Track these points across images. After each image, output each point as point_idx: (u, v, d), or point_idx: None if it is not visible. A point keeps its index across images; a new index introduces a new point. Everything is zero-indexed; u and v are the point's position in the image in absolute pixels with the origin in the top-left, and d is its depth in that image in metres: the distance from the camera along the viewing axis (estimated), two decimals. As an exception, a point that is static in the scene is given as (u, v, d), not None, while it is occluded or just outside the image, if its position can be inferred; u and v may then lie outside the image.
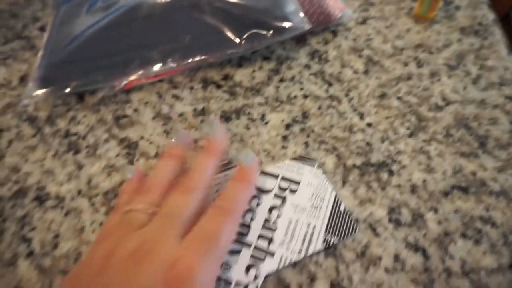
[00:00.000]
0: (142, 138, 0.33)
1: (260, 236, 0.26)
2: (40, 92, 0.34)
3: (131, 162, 0.31)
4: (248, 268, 0.25)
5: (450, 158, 0.29)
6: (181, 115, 0.34)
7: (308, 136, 0.31)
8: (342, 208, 0.27)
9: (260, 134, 0.32)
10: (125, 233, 0.24)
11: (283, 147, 0.31)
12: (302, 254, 0.26)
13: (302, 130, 0.32)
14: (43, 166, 0.32)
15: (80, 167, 0.32)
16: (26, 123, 0.35)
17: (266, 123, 0.33)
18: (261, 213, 0.27)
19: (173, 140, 0.29)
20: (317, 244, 0.26)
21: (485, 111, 0.32)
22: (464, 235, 0.26)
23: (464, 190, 0.28)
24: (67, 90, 0.34)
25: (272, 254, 0.26)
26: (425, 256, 0.26)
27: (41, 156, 0.33)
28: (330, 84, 0.34)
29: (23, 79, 0.38)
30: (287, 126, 0.32)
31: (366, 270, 0.25)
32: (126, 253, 0.22)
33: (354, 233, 0.26)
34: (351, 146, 0.31)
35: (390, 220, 0.27)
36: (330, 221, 0.27)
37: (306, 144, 0.31)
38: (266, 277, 0.25)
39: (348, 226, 0.27)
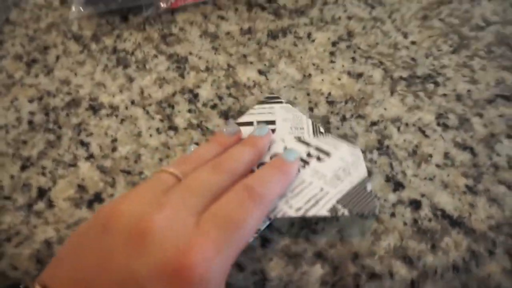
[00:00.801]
0: (190, 53, 0.33)
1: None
2: (89, 8, 0.35)
3: (181, 76, 0.32)
4: None
5: (492, 71, 0.31)
6: (227, 33, 0.34)
7: (354, 52, 0.33)
8: (369, 188, 0.24)
9: (307, 50, 0.33)
10: (142, 193, 0.21)
11: (331, 61, 0.32)
12: (300, 213, 0.23)
13: (348, 47, 0.33)
14: (93, 79, 0.33)
15: (131, 79, 0.32)
16: (72, 40, 0.35)
17: (313, 40, 0.33)
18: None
19: (224, 130, 0.27)
20: (322, 209, 0.24)
21: (523, 31, 0.33)
22: (509, 136, 0.28)
23: (507, 98, 0.30)
24: (114, 5, 0.34)
25: None
26: (473, 153, 0.27)
27: (90, 70, 0.33)
28: (372, 7, 0.35)
29: (63, 1, 0.38)
30: (334, 44, 0.33)
31: (418, 166, 0.27)
32: (133, 221, 0.20)
33: (370, 216, 0.26)
34: (396, 61, 0.32)
35: (438, 124, 0.29)
36: (348, 195, 0.24)
37: (353, 59, 0.32)
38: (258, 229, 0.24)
39: (367, 205, 0.24)
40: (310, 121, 0.28)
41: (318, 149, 0.27)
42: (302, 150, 0.27)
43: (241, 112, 0.30)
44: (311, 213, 0.23)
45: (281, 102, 0.29)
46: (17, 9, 0.37)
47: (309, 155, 0.27)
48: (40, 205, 0.27)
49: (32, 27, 0.36)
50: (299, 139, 0.27)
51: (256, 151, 0.26)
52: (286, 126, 0.28)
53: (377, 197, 0.26)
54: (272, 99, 0.30)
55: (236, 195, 0.22)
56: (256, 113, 0.29)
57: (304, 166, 0.26)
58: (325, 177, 0.25)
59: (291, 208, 0.24)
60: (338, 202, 0.24)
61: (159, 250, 0.18)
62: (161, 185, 0.22)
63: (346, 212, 0.23)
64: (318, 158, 0.26)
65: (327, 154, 0.27)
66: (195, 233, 0.19)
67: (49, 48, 0.35)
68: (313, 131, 0.28)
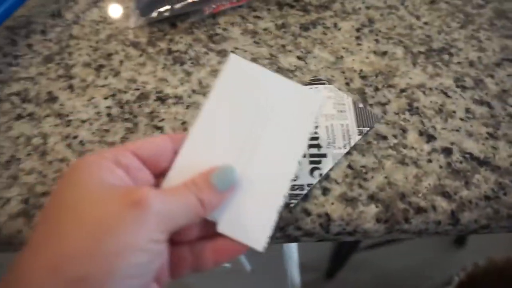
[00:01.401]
0: (236, 48, 0.39)
1: (310, 146, 0.31)
2: (142, 19, 0.40)
3: (231, 67, 0.38)
4: (312, 171, 0.30)
5: (496, 40, 0.36)
6: (265, 29, 0.40)
7: (377, 35, 0.38)
8: (360, 105, 0.33)
9: (336, 37, 0.38)
10: None
11: (358, 44, 0.37)
12: (347, 148, 0.31)
13: (371, 31, 0.38)
14: (156, 76, 0.38)
15: (188, 74, 0.38)
16: (131, 47, 0.41)
17: (339, 29, 0.39)
18: None
19: None
20: (355, 137, 0.31)
21: (519, 5, 0.39)
22: (517, 90, 0.33)
23: (512, 60, 0.35)
24: (166, 14, 0.40)
25: (325, 155, 0.31)
26: (490, 107, 0.32)
27: (152, 69, 0.38)
28: (386, -3, 0.41)
29: (116, 16, 0.43)
30: (358, 30, 0.39)
31: (445, 121, 0.32)
32: None
33: (378, 120, 0.32)
34: (414, 39, 0.37)
35: (457, 86, 0.34)
36: (357, 117, 0.32)
37: (377, 40, 0.38)
38: (327, 173, 0.30)
39: (371, 116, 0.32)
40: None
41: None
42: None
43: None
44: (352, 144, 0.31)
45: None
46: (78, 26, 0.43)
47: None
48: (130, 179, 0.32)
49: (94, 39, 0.42)
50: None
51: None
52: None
53: (369, 107, 0.32)
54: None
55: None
56: None
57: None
58: (334, 116, 0.32)
59: (339, 148, 0.30)
60: (358, 126, 0.31)
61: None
62: None
63: (367, 130, 0.31)
64: None
65: None
66: None
67: (112, 55, 0.40)
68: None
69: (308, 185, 0.29)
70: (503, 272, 0.81)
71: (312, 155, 0.31)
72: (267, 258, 0.59)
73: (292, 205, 0.28)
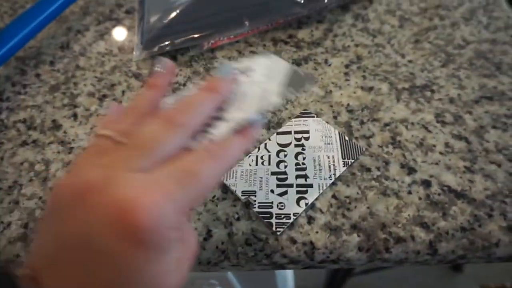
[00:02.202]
0: (232, 81, 0.41)
1: (297, 176, 0.33)
2: (144, 52, 0.43)
3: (226, 99, 0.40)
4: (298, 201, 0.32)
5: (475, 79, 0.39)
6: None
7: (364, 71, 0.40)
8: (346, 138, 0.35)
9: (326, 72, 0.41)
10: (86, 161, 0.21)
11: (346, 80, 0.40)
12: (332, 179, 0.32)
13: (359, 68, 0.41)
14: (155, 106, 0.40)
15: (186, 104, 0.40)
16: (133, 78, 0.43)
17: (330, 65, 0.41)
18: (291, 161, 0.34)
19: (156, 68, 0.25)
20: (340, 168, 0.33)
21: (497, 46, 0.41)
22: (494, 127, 0.35)
23: (490, 98, 0.37)
24: (168, 48, 0.43)
25: (311, 185, 0.33)
26: (468, 142, 0.34)
27: (152, 100, 0.41)
28: (374, 36, 0.44)
29: (121, 48, 0.46)
30: (346, 66, 0.41)
31: (425, 154, 0.34)
32: (77, 186, 0.19)
33: (363, 152, 0.34)
34: (398, 76, 0.40)
35: (437, 121, 0.36)
36: (342, 149, 0.34)
37: (364, 76, 0.40)
38: (313, 202, 0.31)
39: (356, 149, 0.34)
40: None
41: (297, 131, 0.36)
42: (289, 139, 0.35)
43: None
44: (337, 175, 0.33)
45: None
46: (84, 57, 0.46)
47: (296, 139, 0.36)
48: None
49: (99, 70, 0.44)
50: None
51: (218, 97, 0.23)
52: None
53: (354, 140, 0.35)
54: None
55: (195, 153, 0.21)
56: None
57: (303, 149, 0.35)
58: (321, 148, 0.35)
59: (325, 179, 0.32)
60: (343, 158, 0.34)
61: (105, 208, 0.17)
62: (101, 150, 0.20)
63: (351, 162, 0.33)
64: (305, 138, 0.36)
65: (307, 132, 0.36)
66: (144, 184, 0.18)
67: (115, 85, 0.43)
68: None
69: (294, 214, 0.31)
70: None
71: (298, 185, 0.33)
72: (259, 281, 0.60)
73: (278, 233, 0.30)
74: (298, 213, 0.31)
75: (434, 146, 0.34)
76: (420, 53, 0.41)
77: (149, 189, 0.18)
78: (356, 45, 0.43)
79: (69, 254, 0.18)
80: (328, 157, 0.34)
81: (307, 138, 0.36)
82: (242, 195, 0.32)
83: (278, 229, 0.30)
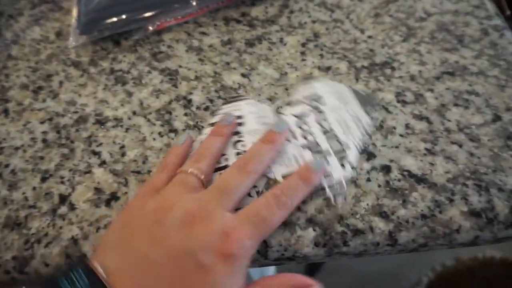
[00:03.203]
0: (180, 66, 0.38)
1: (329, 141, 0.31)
2: (84, 37, 0.39)
3: (174, 86, 0.37)
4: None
5: (437, 53, 0.36)
6: (210, 46, 0.39)
7: (321, 49, 0.38)
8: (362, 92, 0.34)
9: (281, 53, 0.38)
10: (179, 191, 0.27)
11: (303, 60, 0.37)
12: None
13: (316, 46, 0.38)
14: (96, 98, 0.37)
15: (130, 94, 0.37)
16: (72, 67, 0.39)
17: (285, 44, 0.39)
18: (317, 129, 0.32)
19: (221, 121, 0.32)
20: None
21: (459, 17, 0.39)
22: (456, 104, 0.33)
23: (451, 74, 0.35)
24: (107, 32, 0.39)
25: (349, 147, 0.31)
26: (429, 122, 0.32)
27: (92, 90, 0.37)
28: (332, 11, 0.41)
29: (59, 34, 0.42)
30: (303, 44, 0.38)
31: (385, 137, 0.32)
32: (182, 213, 0.25)
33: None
34: (357, 53, 0.37)
35: (398, 101, 0.34)
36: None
37: (321, 55, 0.37)
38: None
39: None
40: (271, 108, 0.33)
41: (306, 97, 0.33)
42: (305, 108, 0.33)
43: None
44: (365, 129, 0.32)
45: (245, 99, 0.34)
46: (17, 45, 0.41)
47: (312, 106, 0.33)
48: (63, 209, 0.30)
49: (33, 59, 0.40)
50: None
51: (276, 149, 0.30)
52: (253, 117, 0.33)
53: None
54: (236, 97, 0.35)
55: (265, 200, 0.27)
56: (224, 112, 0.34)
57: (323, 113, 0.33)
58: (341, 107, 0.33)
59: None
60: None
61: (207, 233, 0.24)
62: (186, 184, 0.27)
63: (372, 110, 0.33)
64: (322, 103, 0.33)
65: (320, 96, 0.33)
66: (234, 222, 0.25)
67: (52, 76, 0.39)
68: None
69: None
70: (470, 271, 0.83)
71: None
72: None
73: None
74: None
75: (394, 128, 0.32)
76: (380, 27, 0.39)
77: (238, 227, 0.25)
78: (313, 22, 0.40)
79: (170, 263, 0.24)
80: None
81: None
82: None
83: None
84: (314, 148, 0.30)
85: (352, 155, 0.30)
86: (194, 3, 0.40)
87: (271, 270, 0.85)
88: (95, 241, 0.28)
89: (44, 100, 0.37)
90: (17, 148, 0.34)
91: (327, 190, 0.29)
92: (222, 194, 0.27)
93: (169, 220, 0.25)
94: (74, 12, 0.42)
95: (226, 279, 0.24)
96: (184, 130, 0.34)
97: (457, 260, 0.82)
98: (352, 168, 0.30)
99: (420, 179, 0.30)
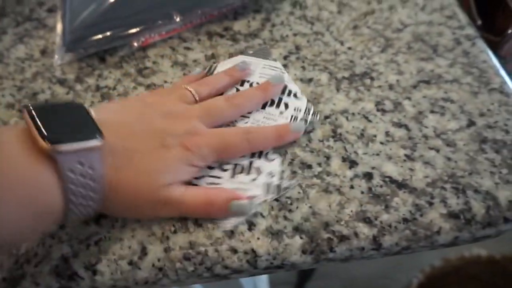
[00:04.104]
0: (165, 82, 0.39)
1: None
2: (69, 54, 0.39)
3: (160, 101, 0.37)
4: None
5: (414, 63, 0.38)
6: (194, 61, 0.40)
7: (303, 62, 0.39)
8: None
9: (264, 66, 0.39)
10: (174, 99, 0.33)
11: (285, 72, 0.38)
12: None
13: (298, 58, 0.39)
14: (83, 115, 0.37)
15: (117, 110, 0.37)
16: (57, 84, 0.39)
17: (267, 57, 0.40)
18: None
19: (236, 66, 0.37)
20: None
21: (433, 28, 0.41)
22: (432, 111, 0.35)
23: (427, 82, 0.37)
24: (92, 49, 0.39)
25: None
26: (407, 129, 0.34)
27: (79, 107, 0.37)
28: (312, 24, 0.42)
29: (44, 52, 0.42)
30: (285, 57, 0.39)
31: (366, 145, 0.33)
32: (170, 109, 0.31)
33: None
34: (338, 64, 0.39)
35: (377, 110, 0.35)
36: None
37: (303, 67, 0.38)
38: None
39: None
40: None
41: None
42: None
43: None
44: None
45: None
46: (1, 64, 0.42)
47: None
48: (52, 228, 0.30)
49: (18, 78, 0.40)
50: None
51: (266, 97, 0.35)
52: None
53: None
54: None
55: (223, 102, 0.34)
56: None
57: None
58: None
59: None
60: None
61: (181, 128, 0.30)
62: (183, 96, 0.33)
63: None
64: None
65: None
66: (204, 129, 0.31)
67: (37, 94, 0.39)
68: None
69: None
70: (458, 270, 0.85)
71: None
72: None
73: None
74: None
75: (375, 136, 0.34)
76: (360, 39, 0.40)
77: (204, 134, 0.31)
78: (295, 34, 0.41)
79: (147, 135, 0.30)
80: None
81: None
82: None
83: None
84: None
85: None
86: (178, 19, 0.41)
87: (263, 279, 0.85)
88: (85, 259, 0.29)
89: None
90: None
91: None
92: (205, 111, 0.32)
93: (158, 109, 0.31)
94: (59, 29, 0.43)
95: (176, 161, 0.29)
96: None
97: (444, 260, 0.84)
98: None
99: (401, 185, 0.31)
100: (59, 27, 0.43)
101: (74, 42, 0.40)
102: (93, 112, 0.28)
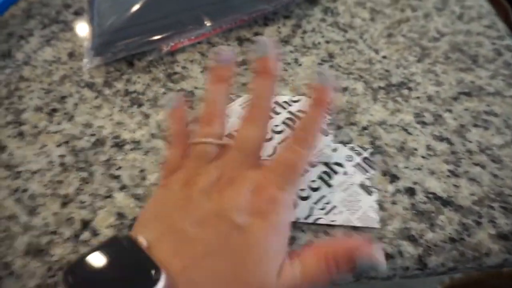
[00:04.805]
0: (196, 88, 0.38)
1: None
2: (98, 58, 0.39)
3: (191, 107, 0.36)
4: None
5: (452, 73, 0.37)
6: (225, 67, 0.39)
7: (337, 70, 0.38)
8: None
9: (297, 73, 0.38)
10: (199, 164, 0.26)
11: (320, 81, 0.37)
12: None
13: (331, 66, 0.38)
14: (113, 120, 0.36)
15: (147, 116, 0.36)
16: (86, 88, 0.39)
17: (300, 64, 0.39)
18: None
19: (217, 58, 0.28)
20: None
21: (472, 37, 0.39)
22: (475, 125, 0.33)
23: (468, 94, 0.35)
24: (121, 54, 0.39)
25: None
26: (450, 143, 0.33)
27: (108, 112, 0.37)
28: (345, 31, 0.41)
29: (71, 55, 0.41)
30: (318, 65, 0.38)
31: (407, 159, 0.32)
32: (208, 183, 0.24)
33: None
34: (373, 73, 0.37)
35: (417, 122, 0.34)
36: None
37: (337, 76, 0.37)
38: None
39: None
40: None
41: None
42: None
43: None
44: None
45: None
46: (29, 67, 0.41)
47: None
48: (86, 235, 0.30)
49: (46, 81, 0.40)
50: None
51: (273, 79, 0.27)
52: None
53: None
54: None
55: (285, 145, 0.26)
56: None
57: None
58: None
59: None
60: None
61: (238, 195, 0.24)
62: (208, 156, 0.26)
63: None
64: None
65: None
66: (262, 178, 0.25)
67: (66, 98, 0.38)
68: None
69: None
70: (479, 284, 0.83)
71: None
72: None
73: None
74: None
75: (416, 149, 0.32)
76: (394, 47, 0.39)
77: (266, 182, 0.24)
78: (327, 42, 0.40)
79: (204, 230, 0.23)
80: None
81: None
82: None
83: None
84: None
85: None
86: (208, 24, 0.40)
87: None
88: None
89: (59, 123, 0.36)
90: (34, 172, 0.33)
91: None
92: (242, 153, 0.26)
93: (197, 193, 0.24)
94: (87, 32, 0.42)
95: (266, 236, 0.22)
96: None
97: (464, 272, 0.82)
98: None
99: (446, 202, 0.30)
100: (87, 30, 0.42)
101: (102, 46, 0.39)
102: (142, 239, 0.22)
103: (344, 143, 0.33)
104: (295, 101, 0.35)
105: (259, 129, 0.27)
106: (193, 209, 0.24)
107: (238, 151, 0.26)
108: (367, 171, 0.31)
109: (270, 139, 0.32)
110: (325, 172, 0.31)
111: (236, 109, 0.35)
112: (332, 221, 0.29)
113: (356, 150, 0.32)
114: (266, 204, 0.23)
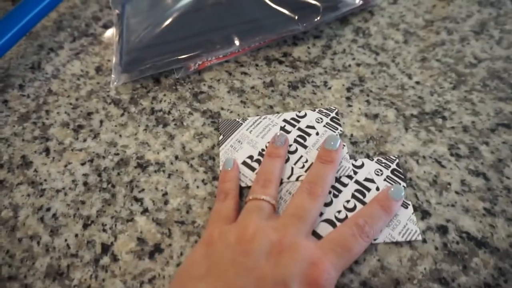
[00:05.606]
0: (222, 108, 0.37)
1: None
2: (125, 75, 0.39)
3: (217, 129, 0.36)
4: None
5: (490, 102, 0.35)
6: (252, 87, 0.38)
7: (367, 95, 0.37)
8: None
9: (326, 97, 0.37)
10: (257, 220, 0.28)
11: (349, 105, 0.36)
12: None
13: (362, 91, 0.37)
14: (137, 139, 0.36)
15: (172, 137, 0.36)
16: (112, 105, 0.39)
17: (329, 88, 0.38)
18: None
19: (274, 142, 0.33)
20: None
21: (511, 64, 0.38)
22: (514, 160, 0.32)
23: (507, 126, 0.34)
24: (149, 72, 0.38)
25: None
26: (486, 179, 0.31)
27: (133, 131, 0.37)
28: (377, 54, 0.40)
29: (98, 69, 0.42)
30: (348, 89, 0.37)
31: (440, 194, 0.30)
32: (267, 243, 0.26)
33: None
34: (405, 100, 0.36)
35: (451, 154, 0.32)
36: None
37: (368, 101, 0.36)
38: None
39: None
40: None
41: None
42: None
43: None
44: None
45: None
46: (57, 80, 0.41)
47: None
48: (106, 260, 0.29)
49: (74, 96, 0.40)
50: None
51: (335, 166, 0.31)
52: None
53: None
54: None
55: (349, 229, 0.28)
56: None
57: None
58: None
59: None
60: None
61: (295, 262, 0.25)
62: (264, 212, 0.28)
63: None
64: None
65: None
66: (320, 252, 0.26)
67: (92, 114, 0.38)
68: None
69: None
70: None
71: None
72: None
73: None
74: None
75: (449, 184, 0.31)
76: (428, 73, 0.38)
77: (323, 257, 0.26)
78: (358, 64, 0.39)
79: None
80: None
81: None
82: None
83: None
84: None
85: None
86: (237, 43, 0.39)
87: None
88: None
89: (84, 140, 0.36)
90: (58, 191, 0.33)
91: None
92: (299, 220, 0.28)
93: (255, 250, 0.26)
94: (115, 47, 0.42)
95: None
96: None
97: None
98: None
99: (481, 243, 0.28)
100: (115, 46, 0.42)
101: (130, 63, 0.39)
102: None
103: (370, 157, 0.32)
104: (301, 117, 0.35)
105: (318, 205, 0.29)
106: (250, 268, 0.25)
107: (293, 217, 0.28)
108: (399, 184, 0.31)
109: (288, 160, 0.33)
110: (358, 191, 0.31)
111: (244, 133, 0.35)
112: (375, 240, 0.28)
113: (383, 163, 0.32)
114: (321, 278, 0.25)
